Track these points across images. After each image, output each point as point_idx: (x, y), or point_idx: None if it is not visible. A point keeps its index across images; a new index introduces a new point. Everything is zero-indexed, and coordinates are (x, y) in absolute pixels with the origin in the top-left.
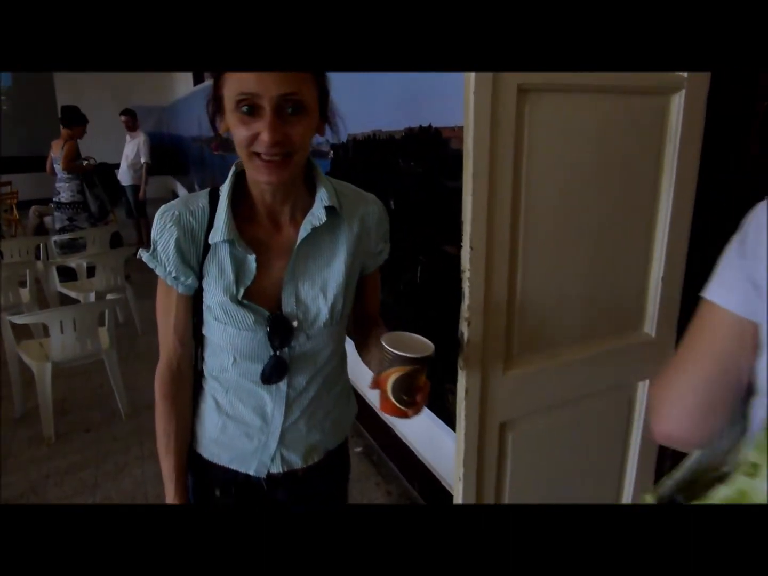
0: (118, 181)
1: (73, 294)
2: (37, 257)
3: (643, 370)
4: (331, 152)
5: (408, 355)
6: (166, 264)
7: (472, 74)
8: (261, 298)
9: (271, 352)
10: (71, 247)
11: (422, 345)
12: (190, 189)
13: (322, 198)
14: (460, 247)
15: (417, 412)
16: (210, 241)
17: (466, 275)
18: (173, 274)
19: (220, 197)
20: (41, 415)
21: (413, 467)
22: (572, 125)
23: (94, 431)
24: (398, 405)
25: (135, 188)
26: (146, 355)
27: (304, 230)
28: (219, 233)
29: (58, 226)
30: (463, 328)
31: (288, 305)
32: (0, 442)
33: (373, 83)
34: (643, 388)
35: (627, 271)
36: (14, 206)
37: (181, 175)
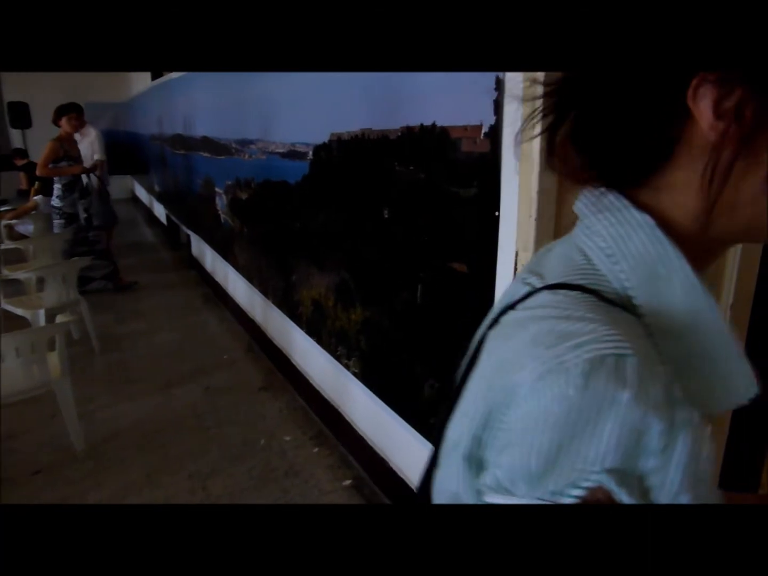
0: None
1: (19, 311)
2: None
3: None
4: (311, 153)
5: None
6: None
7: None
8: None
9: None
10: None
11: None
12: (150, 189)
13: None
14: (471, 264)
15: None
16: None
17: None
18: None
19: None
20: None
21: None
22: None
23: (45, 473)
24: None
25: None
26: (104, 378)
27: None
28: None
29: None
30: None
31: None
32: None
33: (358, 74)
34: None
35: None
36: None
37: (140, 175)
